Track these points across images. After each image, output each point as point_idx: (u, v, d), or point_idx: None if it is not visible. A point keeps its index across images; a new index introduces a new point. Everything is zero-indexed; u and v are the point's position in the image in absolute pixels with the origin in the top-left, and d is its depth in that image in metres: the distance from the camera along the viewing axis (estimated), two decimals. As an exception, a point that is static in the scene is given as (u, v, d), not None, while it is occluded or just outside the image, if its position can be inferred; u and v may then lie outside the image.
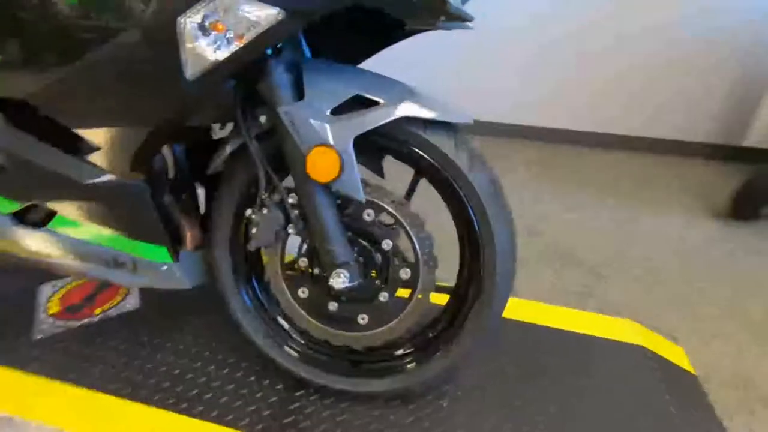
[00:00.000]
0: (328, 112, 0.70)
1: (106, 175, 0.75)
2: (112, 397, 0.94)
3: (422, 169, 0.81)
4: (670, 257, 1.60)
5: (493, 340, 1.12)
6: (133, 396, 0.95)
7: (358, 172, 0.72)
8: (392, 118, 0.71)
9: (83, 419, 0.90)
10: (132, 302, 1.19)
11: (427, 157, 0.77)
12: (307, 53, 0.79)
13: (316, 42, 0.83)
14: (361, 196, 0.72)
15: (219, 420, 0.91)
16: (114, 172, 0.75)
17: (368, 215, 0.81)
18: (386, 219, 0.83)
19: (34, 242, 0.85)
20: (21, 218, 0.84)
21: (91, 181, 0.75)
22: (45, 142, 0.76)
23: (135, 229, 0.82)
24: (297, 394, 0.96)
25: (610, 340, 1.15)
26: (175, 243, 0.86)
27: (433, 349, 0.90)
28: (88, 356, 1.03)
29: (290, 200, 0.78)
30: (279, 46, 0.70)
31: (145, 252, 0.86)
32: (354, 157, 0.71)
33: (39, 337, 1.07)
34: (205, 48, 0.61)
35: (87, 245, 0.85)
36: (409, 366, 0.92)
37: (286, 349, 0.96)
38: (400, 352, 0.95)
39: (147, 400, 0.94)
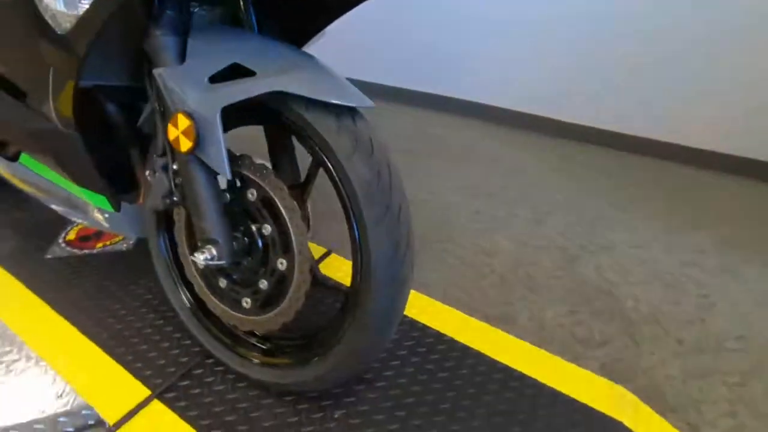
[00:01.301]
0: (205, 80, 0.67)
1: (42, 121, 0.83)
2: (72, 327, 1.07)
3: (311, 154, 0.73)
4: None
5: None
6: (86, 328, 1.06)
7: (224, 144, 0.68)
8: (261, 91, 0.65)
9: (45, 339, 1.04)
10: (127, 244, 1.33)
11: (309, 140, 0.69)
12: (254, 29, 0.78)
13: (265, 21, 0.82)
14: (224, 171, 0.68)
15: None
16: (48, 120, 0.83)
17: (252, 195, 0.76)
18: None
19: (14, 173, 1.00)
20: (2, 152, 0.99)
21: (29, 126, 0.85)
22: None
23: (74, 175, 0.90)
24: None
25: (580, 403, 0.93)
26: (117, 193, 0.93)
27: (313, 350, 0.83)
28: (71, 282, 1.19)
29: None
30: (162, 8, 0.68)
31: (90, 198, 0.94)
32: (219, 129, 0.67)
33: (48, 257, 1.27)
34: (58, 7, 0.63)
35: (48, 183, 0.97)
36: (285, 362, 0.86)
37: (184, 299, 0.97)
38: (284, 344, 0.90)
39: (94, 335, 1.04)
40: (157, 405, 0.89)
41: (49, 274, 1.20)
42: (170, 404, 0.89)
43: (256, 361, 0.89)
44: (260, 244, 0.78)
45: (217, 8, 0.79)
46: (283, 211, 0.74)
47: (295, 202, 0.73)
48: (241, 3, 0.80)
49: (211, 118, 0.66)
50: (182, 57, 0.69)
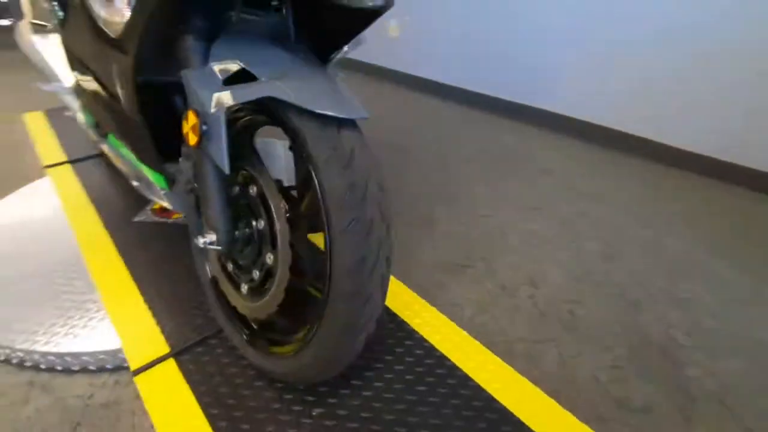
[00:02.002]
0: (218, 82, 0.74)
1: (117, 107, 1.00)
2: (133, 283, 1.26)
3: (302, 159, 0.75)
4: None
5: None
6: (142, 284, 1.24)
7: (225, 141, 0.74)
8: (254, 96, 0.70)
9: (111, 288, 1.25)
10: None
11: (299, 145, 0.72)
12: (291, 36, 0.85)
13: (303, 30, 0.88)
14: (224, 166, 0.74)
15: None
16: (120, 106, 0.99)
17: (252, 191, 0.82)
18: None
19: (107, 149, 1.21)
20: (97, 129, 1.20)
21: (110, 110, 1.02)
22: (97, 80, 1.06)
23: (139, 154, 1.06)
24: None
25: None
26: (171, 175, 1.07)
27: (287, 347, 0.86)
28: (144, 244, 1.40)
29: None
30: (192, 17, 0.77)
31: (152, 175, 1.10)
32: (222, 127, 0.73)
33: (135, 219, 1.50)
34: (108, 17, 0.74)
35: (126, 160, 1.15)
36: (265, 348, 0.90)
37: (207, 274, 1.05)
38: (267, 332, 0.94)
39: (145, 291, 1.22)
40: (170, 363, 1.01)
41: (132, 234, 1.43)
42: (181, 365, 1.01)
43: (245, 338, 0.96)
44: (256, 237, 0.84)
45: (262, 18, 0.86)
46: (272, 209, 0.78)
47: (282, 201, 0.77)
48: (282, 12, 0.86)
49: (215, 117, 0.73)
50: (206, 60, 0.77)
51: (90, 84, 1.05)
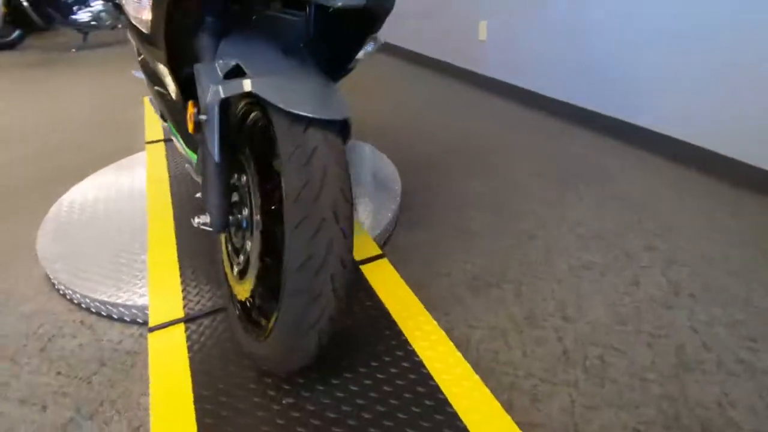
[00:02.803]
0: (219, 76, 0.80)
1: (166, 93, 1.12)
2: (175, 256, 1.41)
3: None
4: None
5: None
6: (182, 255, 1.39)
7: (217, 131, 0.79)
8: (237, 91, 0.73)
9: (156, 255, 1.41)
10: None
11: (275, 139, 0.74)
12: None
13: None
14: (214, 154, 0.80)
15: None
16: (167, 91, 1.11)
17: (242, 180, 0.86)
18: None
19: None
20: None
21: (161, 96, 1.15)
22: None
23: (183, 135, 1.19)
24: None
25: None
26: None
27: (255, 333, 0.89)
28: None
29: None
30: (204, 15, 0.83)
31: (192, 157, 1.22)
32: (215, 117, 0.78)
33: (197, 196, 1.67)
34: (136, 15, 0.84)
35: (179, 143, 1.29)
36: (246, 330, 0.94)
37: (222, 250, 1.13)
38: (252, 318, 0.98)
39: (183, 261, 1.36)
40: (179, 328, 1.11)
41: (190, 210, 1.60)
42: (186, 331, 1.10)
43: (236, 316, 1.01)
44: (244, 224, 0.88)
45: (277, 19, 0.90)
46: (252, 199, 0.82)
47: (258, 194, 0.80)
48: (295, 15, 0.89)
49: (210, 108, 0.78)
50: (215, 55, 0.83)
51: (148, 72, 1.21)
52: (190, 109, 0.81)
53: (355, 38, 0.93)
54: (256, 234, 0.82)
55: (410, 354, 1.03)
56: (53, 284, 1.34)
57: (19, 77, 3.71)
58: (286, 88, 0.71)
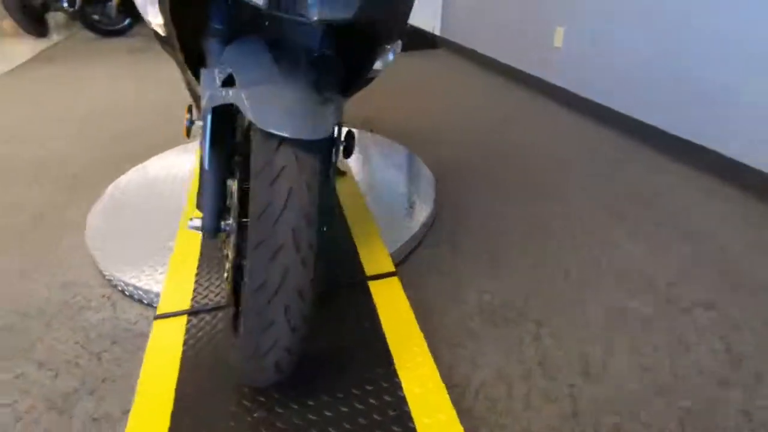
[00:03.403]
0: (217, 83, 0.79)
1: (194, 87, 1.15)
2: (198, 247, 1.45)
3: None
4: None
5: None
6: (206, 254, 1.43)
7: (208, 137, 0.79)
8: (221, 102, 0.72)
9: (179, 250, 1.47)
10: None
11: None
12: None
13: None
14: (204, 160, 0.79)
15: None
16: (194, 88, 1.14)
17: (232, 186, 0.85)
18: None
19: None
20: None
21: (193, 90, 1.18)
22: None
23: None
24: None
25: None
26: None
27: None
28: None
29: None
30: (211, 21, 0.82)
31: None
32: (207, 126, 0.78)
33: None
34: (152, 20, 0.85)
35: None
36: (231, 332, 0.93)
37: None
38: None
39: (204, 255, 1.40)
40: (181, 320, 1.15)
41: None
42: (188, 324, 1.13)
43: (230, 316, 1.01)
44: (226, 230, 0.88)
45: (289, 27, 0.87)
46: (232, 207, 0.80)
47: (238, 202, 0.78)
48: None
49: (203, 114, 0.78)
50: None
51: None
52: (185, 113, 0.82)
53: (368, 49, 0.88)
54: (232, 241, 0.81)
55: (395, 387, 0.97)
56: (93, 258, 1.45)
57: (123, 61, 4.13)
58: (267, 102, 0.68)
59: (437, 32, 4.23)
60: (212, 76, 0.79)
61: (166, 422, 0.90)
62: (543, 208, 1.74)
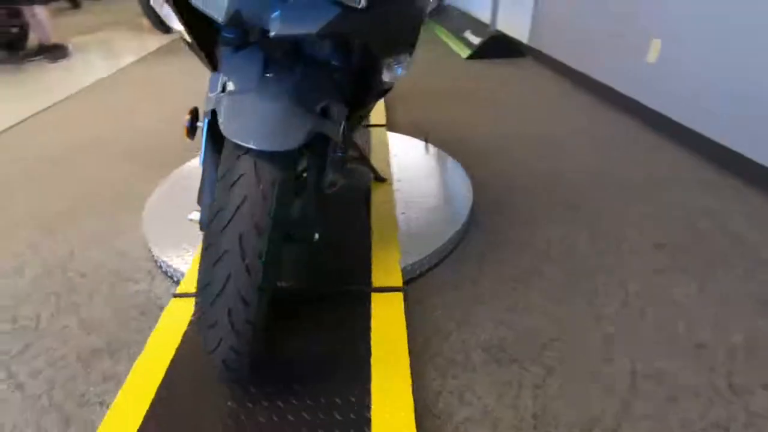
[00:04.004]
0: (218, 89, 0.84)
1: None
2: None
3: None
4: None
5: None
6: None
7: (203, 140, 0.84)
8: (206, 108, 0.76)
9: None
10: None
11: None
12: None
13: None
14: (200, 160, 0.85)
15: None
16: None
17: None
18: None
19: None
20: None
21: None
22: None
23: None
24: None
25: None
26: None
27: None
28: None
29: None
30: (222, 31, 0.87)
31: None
32: (205, 127, 0.83)
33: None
34: (176, 26, 0.92)
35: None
36: None
37: None
38: None
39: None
40: (190, 301, 1.23)
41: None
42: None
43: None
44: None
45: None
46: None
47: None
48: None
49: (204, 115, 0.83)
50: None
51: None
52: (186, 115, 0.88)
53: (371, 63, 0.86)
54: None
55: (364, 408, 0.94)
56: (144, 236, 1.63)
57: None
58: (238, 112, 0.71)
59: (525, 40, 4.03)
60: (216, 81, 0.84)
61: (145, 407, 0.94)
62: (599, 242, 1.57)
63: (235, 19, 0.69)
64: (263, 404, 0.95)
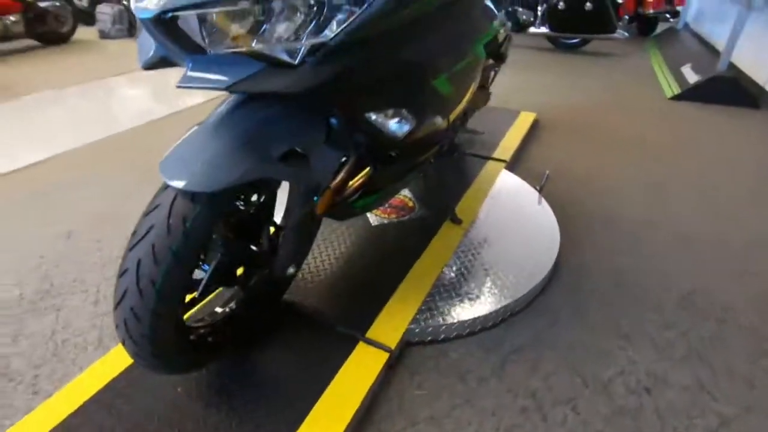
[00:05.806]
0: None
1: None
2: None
3: None
4: None
5: None
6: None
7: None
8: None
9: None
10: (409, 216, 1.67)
11: None
12: None
13: None
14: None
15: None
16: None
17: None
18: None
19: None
20: None
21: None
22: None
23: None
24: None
25: None
26: None
27: None
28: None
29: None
30: None
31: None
32: None
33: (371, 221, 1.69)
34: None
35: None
36: None
37: None
38: None
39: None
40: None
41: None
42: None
43: None
44: None
45: None
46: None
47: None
48: None
49: None
50: None
51: None
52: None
53: (356, 115, 0.80)
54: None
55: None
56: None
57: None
58: (185, 143, 0.76)
59: (766, 87, 3.04)
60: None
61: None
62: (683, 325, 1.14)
63: (157, 66, 0.72)
64: (200, 405, 1.02)
